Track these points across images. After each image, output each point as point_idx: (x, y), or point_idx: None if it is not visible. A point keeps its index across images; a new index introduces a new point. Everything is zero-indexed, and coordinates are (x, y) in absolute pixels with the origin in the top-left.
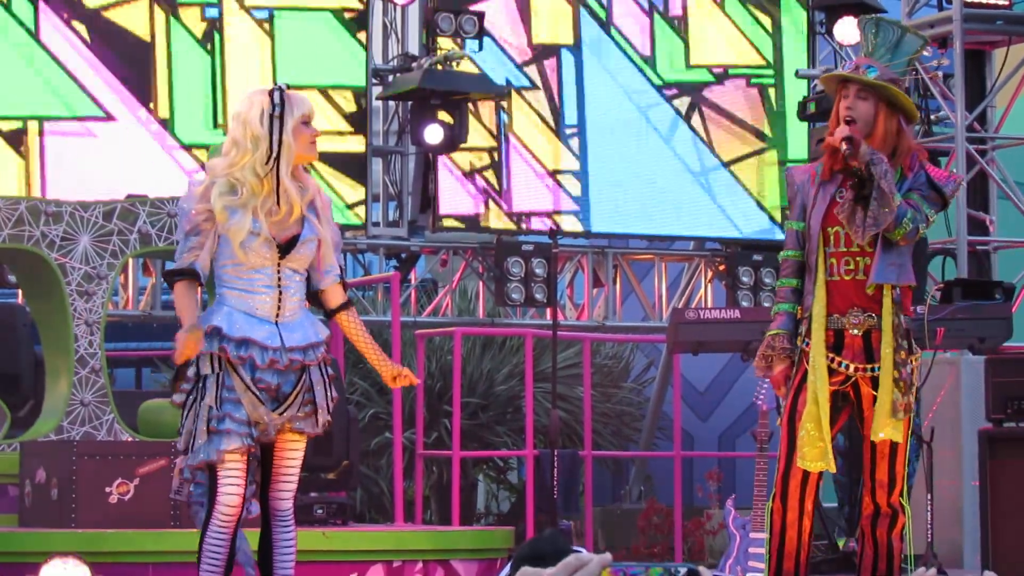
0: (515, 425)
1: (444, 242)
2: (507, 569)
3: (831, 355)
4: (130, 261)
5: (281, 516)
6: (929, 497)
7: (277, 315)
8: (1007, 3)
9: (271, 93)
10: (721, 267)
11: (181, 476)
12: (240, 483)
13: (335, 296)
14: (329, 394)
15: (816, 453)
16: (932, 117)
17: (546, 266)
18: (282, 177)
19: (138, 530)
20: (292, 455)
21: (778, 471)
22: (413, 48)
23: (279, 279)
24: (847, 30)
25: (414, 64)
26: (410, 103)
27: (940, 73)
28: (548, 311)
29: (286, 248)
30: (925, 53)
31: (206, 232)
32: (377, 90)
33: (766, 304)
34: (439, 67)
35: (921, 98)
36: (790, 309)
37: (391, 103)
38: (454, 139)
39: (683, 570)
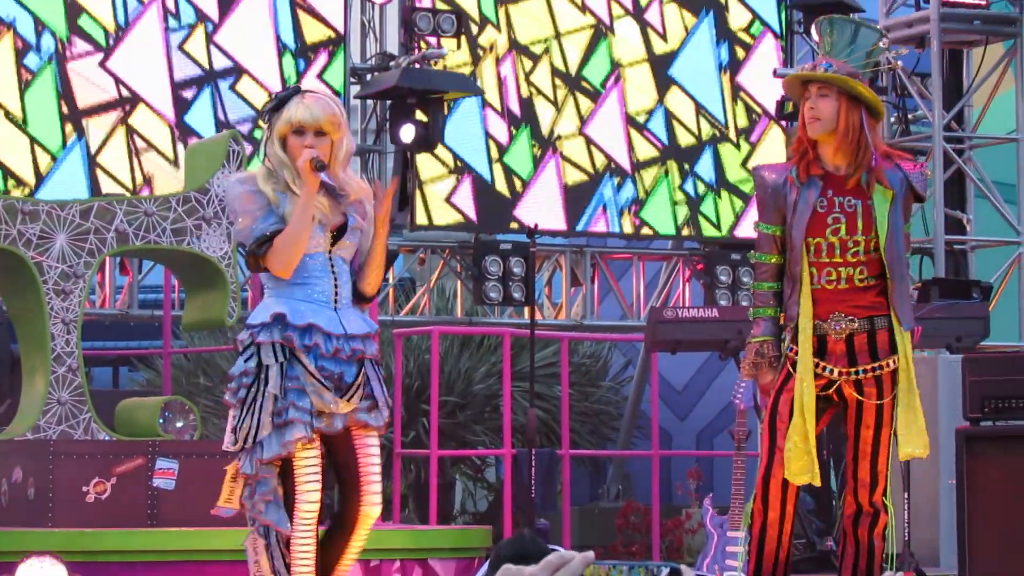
0: (493, 424)
1: (422, 241)
2: (485, 568)
3: (815, 360)
4: (107, 260)
5: (368, 524)
6: (906, 496)
7: (335, 301)
8: (984, 3)
9: (286, 90)
10: (699, 266)
11: (244, 478)
12: (319, 475)
13: None
14: (385, 393)
15: (801, 466)
16: (909, 116)
17: (524, 265)
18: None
19: (115, 529)
20: (373, 451)
21: (759, 472)
22: (392, 47)
23: (332, 265)
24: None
25: (392, 63)
26: (388, 102)
27: (901, 63)
28: (526, 310)
29: (336, 235)
30: (882, 45)
31: (269, 207)
32: (355, 89)
33: (744, 303)
34: (417, 66)
35: (899, 97)
36: (773, 314)
37: (369, 102)
38: (429, 138)
39: (665, 570)
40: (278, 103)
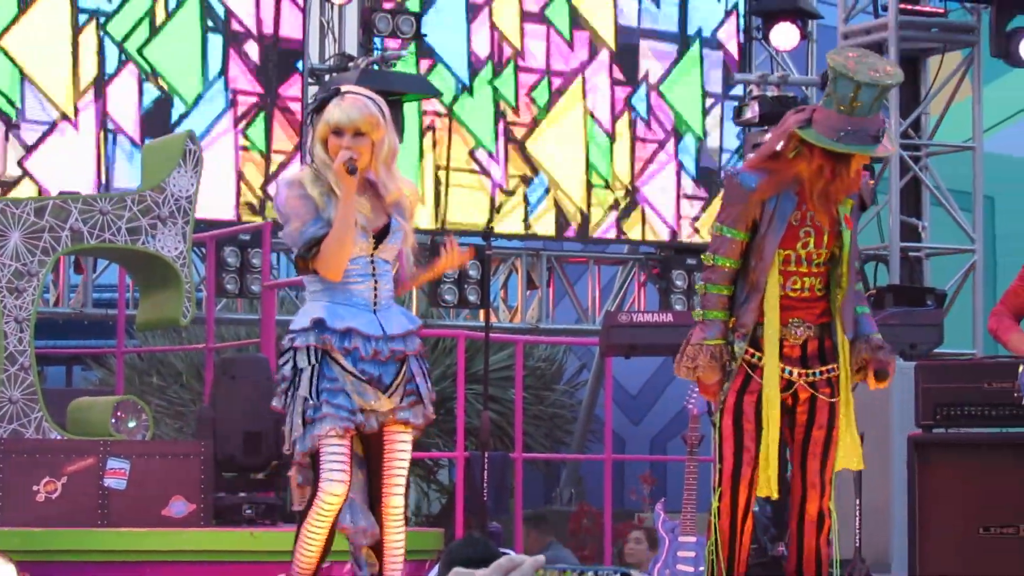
0: (447, 427)
1: None
2: (436, 570)
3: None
4: (62, 258)
5: (394, 515)
6: (858, 502)
7: (375, 304)
8: (942, 11)
9: (327, 92)
10: (655, 270)
11: (298, 486)
12: (345, 467)
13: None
14: (429, 387)
15: (764, 479)
16: None
17: (480, 268)
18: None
19: (66, 529)
20: (401, 447)
21: (724, 471)
22: (350, 48)
23: (373, 267)
24: (784, 36)
25: (351, 64)
26: None
27: None
28: (481, 313)
29: (379, 237)
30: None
31: (316, 211)
32: (313, 90)
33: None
34: (376, 67)
35: None
36: (725, 317)
37: None
38: None
39: (616, 575)
40: (319, 105)
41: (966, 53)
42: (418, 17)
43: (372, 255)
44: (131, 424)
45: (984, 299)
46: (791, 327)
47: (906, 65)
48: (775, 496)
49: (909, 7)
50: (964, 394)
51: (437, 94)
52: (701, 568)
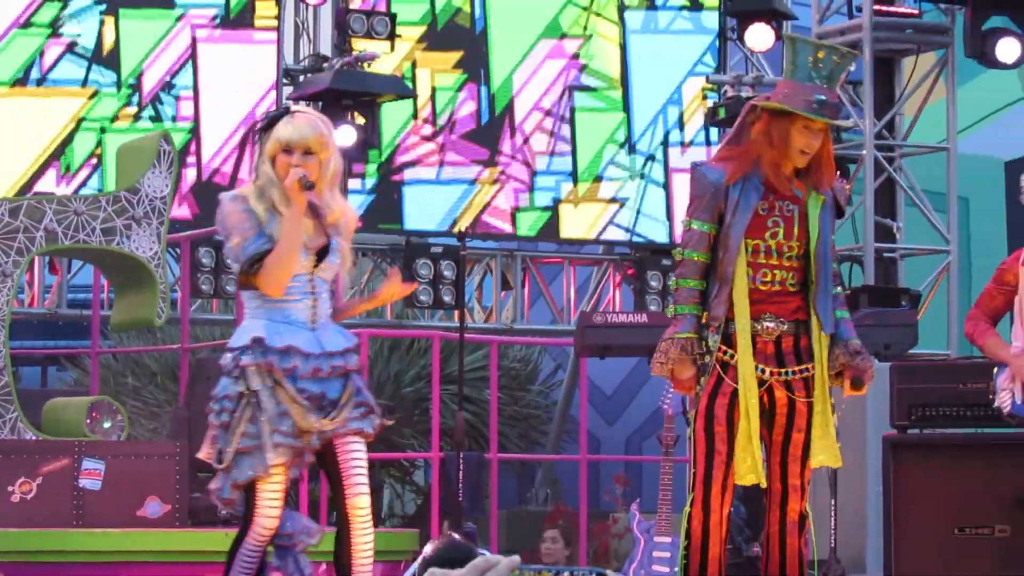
0: (423, 427)
1: (352, 243)
2: (412, 570)
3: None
4: (36, 259)
5: (361, 515)
6: (833, 503)
7: (313, 322)
8: (916, 12)
9: (276, 110)
10: (629, 271)
11: (220, 499)
12: (280, 500)
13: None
14: (372, 397)
15: (747, 467)
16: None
17: (455, 268)
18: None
19: (41, 529)
20: (356, 452)
21: (697, 475)
22: (325, 49)
23: (312, 286)
24: (758, 36)
25: (325, 64)
26: (321, 103)
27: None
28: (456, 313)
29: (319, 256)
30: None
31: (260, 227)
32: (288, 90)
33: None
34: (350, 68)
35: None
36: (696, 311)
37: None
38: (366, 141)
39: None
40: (268, 123)
41: (940, 54)
42: (392, 18)
43: (312, 274)
44: (106, 425)
45: (959, 300)
46: (762, 322)
47: (880, 66)
48: (763, 484)
49: (883, 8)
50: (939, 395)
51: (412, 95)
52: (676, 569)
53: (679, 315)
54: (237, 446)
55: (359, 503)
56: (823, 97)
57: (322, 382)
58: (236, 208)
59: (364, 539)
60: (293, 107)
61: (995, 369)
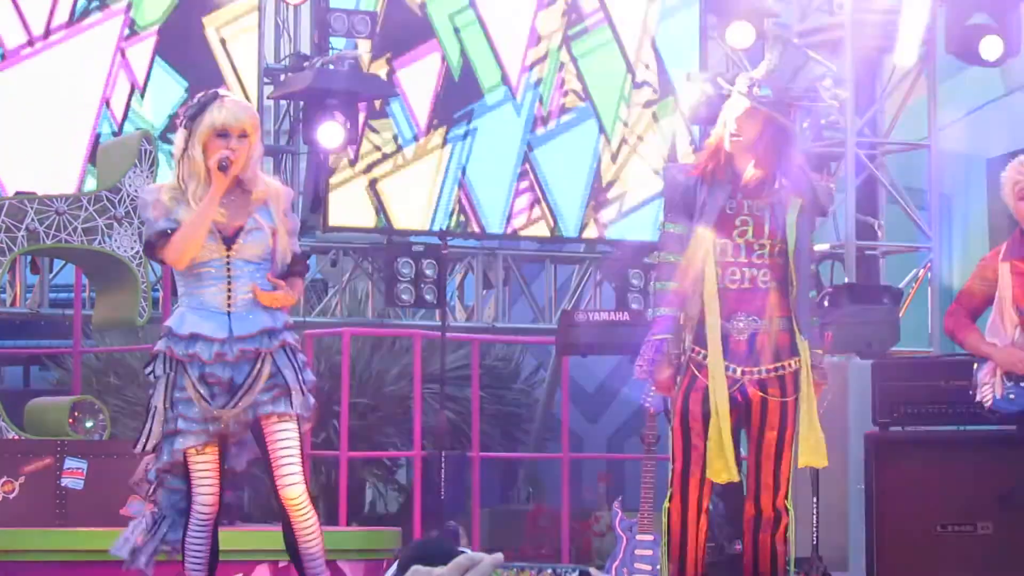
0: (405, 426)
1: (334, 242)
2: (394, 569)
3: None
4: (18, 258)
5: (296, 504)
6: (815, 501)
7: (228, 306)
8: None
9: (204, 95)
10: (611, 269)
11: (146, 475)
12: (212, 479)
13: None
14: (301, 376)
15: (720, 465)
16: (822, 121)
17: (436, 267)
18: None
19: (23, 528)
20: (282, 436)
21: (675, 471)
22: (306, 47)
23: (228, 269)
24: (739, 35)
25: (306, 63)
26: (303, 103)
27: (830, 79)
28: (437, 312)
29: (231, 239)
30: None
31: (167, 212)
32: (268, 89)
33: None
34: (331, 67)
35: (811, 102)
36: (674, 313)
37: (283, 102)
38: (348, 140)
39: (574, 573)
40: (199, 108)
41: (921, 52)
42: (373, 17)
43: (227, 257)
44: (88, 424)
45: (940, 297)
46: (734, 321)
47: (861, 64)
48: (736, 479)
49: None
50: (921, 392)
51: (394, 94)
52: (658, 567)
53: (656, 316)
54: (153, 429)
55: (291, 493)
56: (766, 87)
57: (230, 367)
58: (151, 198)
59: (305, 526)
60: (221, 92)
61: (975, 364)
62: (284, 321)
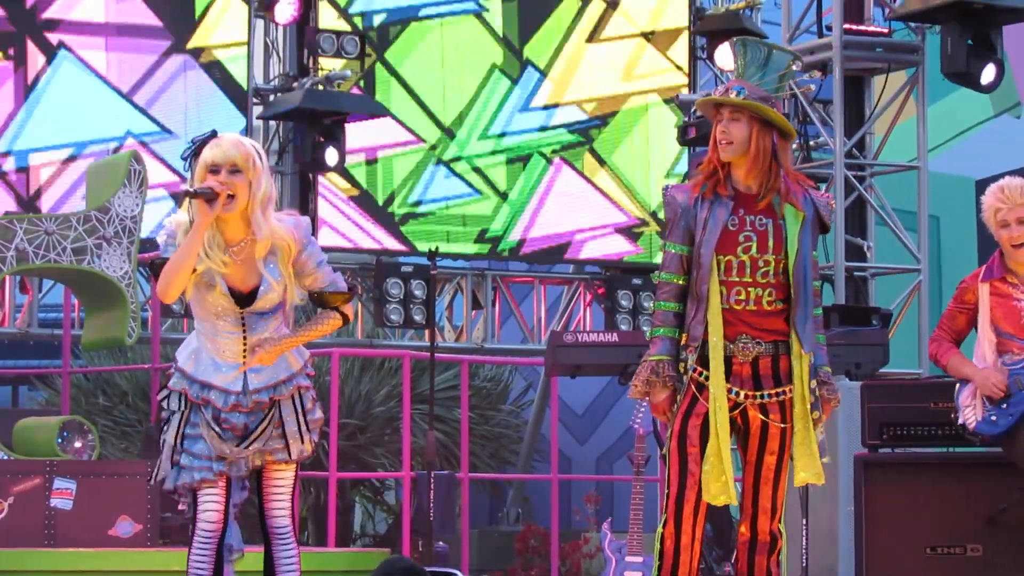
0: (393, 447)
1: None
2: None
3: None
4: (7, 278)
5: (279, 533)
6: (805, 522)
7: (244, 355)
8: (887, 31)
9: (203, 135)
10: (600, 290)
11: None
12: (217, 503)
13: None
14: (303, 423)
15: (719, 487)
16: (811, 143)
17: (425, 288)
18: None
19: (12, 549)
20: (277, 479)
21: (670, 496)
22: (295, 68)
23: (243, 324)
24: (727, 56)
25: (295, 84)
26: (292, 123)
27: (813, 87)
28: (427, 333)
29: (247, 299)
30: (795, 68)
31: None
32: (258, 110)
33: (644, 328)
34: (321, 87)
35: (801, 124)
36: (672, 334)
37: (271, 122)
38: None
39: None
40: (196, 149)
41: (910, 73)
42: (362, 37)
43: (241, 313)
44: (77, 444)
45: (930, 319)
46: (738, 343)
47: (850, 85)
48: (734, 502)
49: (853, 27)
50: (910, 414)
51: (384, 113)
52: None
53: (654, 338)
54: (164, 458)
55: (277, 523)
56: (740, 87)
57: (246, 414)
58: (170, 227)
59: (286, 555)
60: (220, 132)
61: (956, 387)
62: (305, 359)
